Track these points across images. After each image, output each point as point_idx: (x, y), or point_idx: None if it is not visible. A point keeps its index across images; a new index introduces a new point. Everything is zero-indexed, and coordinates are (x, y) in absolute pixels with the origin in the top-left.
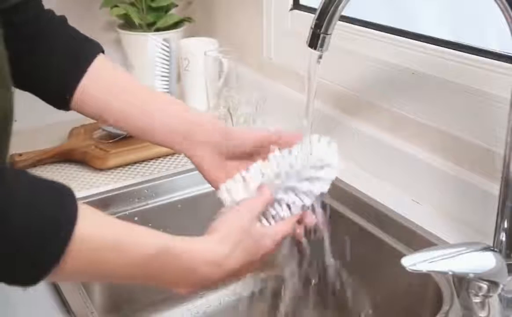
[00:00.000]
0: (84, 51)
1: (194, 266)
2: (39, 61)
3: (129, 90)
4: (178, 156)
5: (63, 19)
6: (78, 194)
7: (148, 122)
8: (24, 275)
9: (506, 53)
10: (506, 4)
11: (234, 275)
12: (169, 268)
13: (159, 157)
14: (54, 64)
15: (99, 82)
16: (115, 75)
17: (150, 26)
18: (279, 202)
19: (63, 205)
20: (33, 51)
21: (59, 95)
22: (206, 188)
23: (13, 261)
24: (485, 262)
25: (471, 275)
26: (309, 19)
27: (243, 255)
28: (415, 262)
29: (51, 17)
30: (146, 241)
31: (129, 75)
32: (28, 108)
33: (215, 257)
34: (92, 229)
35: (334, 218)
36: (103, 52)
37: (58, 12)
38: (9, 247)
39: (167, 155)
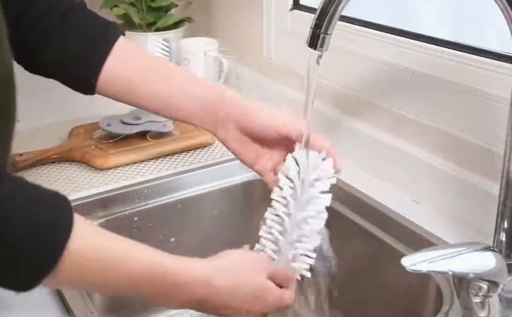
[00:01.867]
0: (105, 35)
1: (185, 286)
2: (61, 49)
3: (154, 68)
4: (178, 157)
5: (82, 5)
6: (78, 194)
7: (171, 97)
8: (18, 281)
9: (506, 53)
10: (506, 4)
11: (225, 309)
12: (160, 288)
13: (159, 157)
14: (77, 51)
15: (123, 63)
16: (137, 55)
17: (150, 26)
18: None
19: (59, 215)
20: (54, 39)
21: (84, 80)
22: (207, 188)
23: (8, 267)
24: (485, 262)
25: (471, 275)
26: (309, 19)
27: (237, 294)
28: (415, 262)
29: (70, 3)
30: (135, 258)
31: (150, 54)
32: (28, 109)
33: (206, 282)
34: (87, 241)
35: (334, 218)
36: (123, 34)
37: None
38: (4, 254)
39: (167, 155)
